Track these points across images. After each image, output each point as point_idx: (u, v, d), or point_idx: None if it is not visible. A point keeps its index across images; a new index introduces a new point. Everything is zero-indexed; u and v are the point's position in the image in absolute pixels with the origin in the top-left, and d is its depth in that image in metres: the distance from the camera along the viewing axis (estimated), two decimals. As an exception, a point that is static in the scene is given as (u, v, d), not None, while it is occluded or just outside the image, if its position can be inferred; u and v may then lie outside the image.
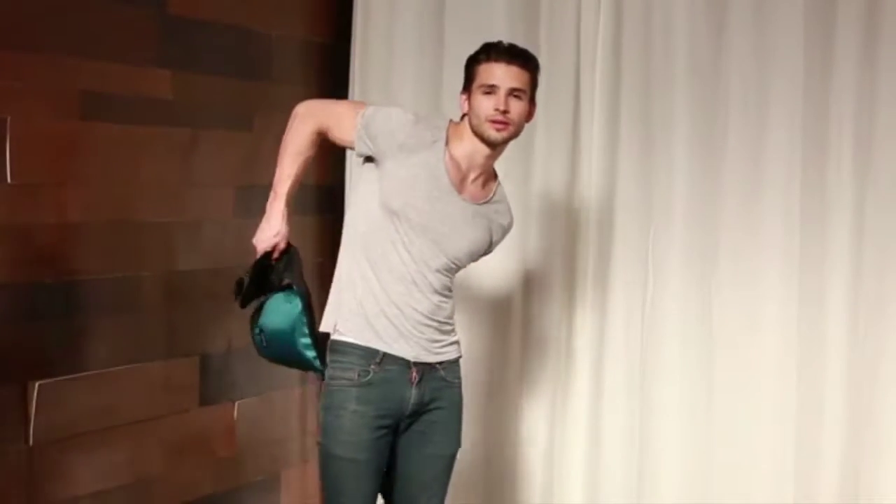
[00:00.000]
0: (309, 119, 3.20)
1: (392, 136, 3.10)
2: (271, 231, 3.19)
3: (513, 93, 3.13)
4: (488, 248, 3.31)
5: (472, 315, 4.25)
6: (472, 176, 3.19)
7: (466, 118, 3.18)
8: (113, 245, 3.57)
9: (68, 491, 3.44)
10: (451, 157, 3.16)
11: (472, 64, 3.19)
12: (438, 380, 3.20)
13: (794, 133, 4.03)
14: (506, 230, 3.34)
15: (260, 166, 4.15)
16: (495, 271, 4.21)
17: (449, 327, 3.24)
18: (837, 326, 4.01)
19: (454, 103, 4.30)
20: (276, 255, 3.19)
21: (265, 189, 4.14)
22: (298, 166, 3.19)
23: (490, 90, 3.12)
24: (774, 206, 4.07)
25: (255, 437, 4.21)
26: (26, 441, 3.29)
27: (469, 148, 3.17)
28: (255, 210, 4.10)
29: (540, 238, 4.34)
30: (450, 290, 3.23)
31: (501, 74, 3.13)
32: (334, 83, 4.49)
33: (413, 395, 3.16)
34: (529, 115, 3.21)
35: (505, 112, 3.11)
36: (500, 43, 3.19)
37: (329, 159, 4.32)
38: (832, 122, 4.00)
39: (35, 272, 3.31)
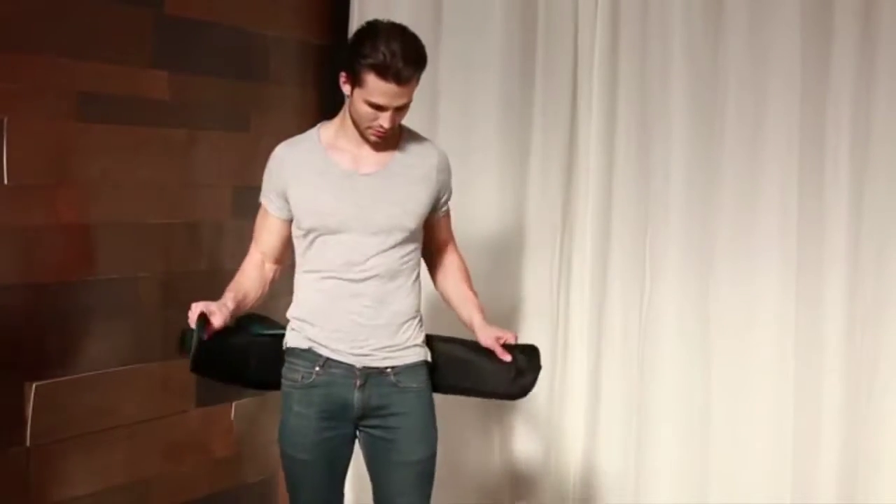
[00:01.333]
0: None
1: (273, 181, 3.18)
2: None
3: (399, 107, 3.05)
4: (437, 199, 3.21)
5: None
6: (379, 153, 3.14)
7: (347, 105, 3.12)
8: (110, 246, 3.57)
9: (66, 492, 3.44)
10: (332, 146, 3.14)
11: (359, 63, 3.01)
12: (388, 385, 3.15)
13: (792, 134, 4.04)
14: (441, 167, 3.20)
15: (257, 167, 4.14)
16: (491, 270, 4.21)
17: (408, 329, 3.18)
18: (834, 326, 4.01)
19: (451, 105, 4.34)
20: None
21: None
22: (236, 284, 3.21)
23: (376, 107, 3.02)
24: (771, 207, 4.07)
25: (252, 437, 4.20)
26: (24, 442, 3.29)
27: (352, 133, 3.13)
28: (252, 211, 4.11)
29: (537, 238, 4.34)
30: (408, 278, 3.16)
31: (391, 96, 3.00)
32: (330, 84, 4.48)
33: (356, 398, 3.15)
34: None
35: (389, 128, 3.06)
36: (391, 50, 2.96)
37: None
38: (829, 123, 4.01)
39: (32, 273, 3.31)
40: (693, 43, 4.13)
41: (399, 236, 3.12)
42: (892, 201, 3.98)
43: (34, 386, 3.30)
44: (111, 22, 3.53)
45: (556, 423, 4.37)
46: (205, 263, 3.94)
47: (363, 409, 3.16)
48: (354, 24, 4.45)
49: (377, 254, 3.11)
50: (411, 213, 3.14)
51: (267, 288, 3.27)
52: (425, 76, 4.39)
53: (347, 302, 3.13)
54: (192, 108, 3.87)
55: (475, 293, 3.33)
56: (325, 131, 3.20)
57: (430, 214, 3.21)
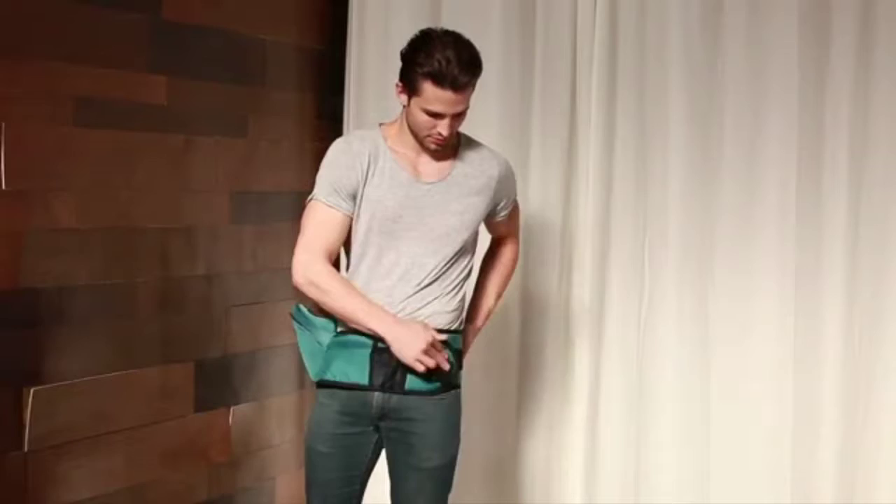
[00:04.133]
0: (311, 270, 3.14)
1: (344, 173, 3.14)
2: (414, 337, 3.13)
3: (456, 115, 3.10)
4: (495, 207, 3.30)
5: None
6: (440, 162, 3.20)
7: (405, 114, 3.16)
8: (107, 251, 3.56)
9: (64, 497, 3.43)
10: (396, 151, 3.17)
11: (414, 72, 3.05)
12: (408, 390, 3.17)
13: (790, 139, 4.04)
14: (501, 177, 3.28)
15: (254, 172, 4.17)
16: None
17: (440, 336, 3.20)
18: (833, 331, 4.02)
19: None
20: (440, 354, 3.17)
21: (260, 195, 4.16)
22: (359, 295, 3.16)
23: (434, 115, 3.06)
24: (770, 213, 4.08)
25: (250, 442, 4.20)
26: (22, 447, 3.28)
27: (410, 140, 3.17)
28: (249, 216, 4.12)
29: (536, 244, 4.34)
30: (453, 289, 3.23)
31: (449, 104, 3.05)
32: (329, 88, 4.49)
33: (376, 399, 3.18)
34: None
35: (448, 135, 3.11)
36: (447, 57, 3.02)
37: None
38: (827, 129, 4.02)
39: (29, 278, 3.31)
40: (691, 48, 4.13)
41: (455, 247, 3.19)
42: (890, 206, 3.98)
43: (31, 391, 3.30)
44: (108, 27, 3.52)
45: (556, 424, 4.37)
46: (202, 268, 3.94)
47: (382, 410, 3.19)
48: (353, 28, 4.46)
49: (430, 263, 3.16)
50: (468, 224, 3.22)
51: None
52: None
53: (393, 307, 3.16)
54: (190, 113, 3.87)
55: (499, 294, 3.48)
56: (388, 134, 3.21)
57: (491, 218, 3.35)
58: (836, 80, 3.99)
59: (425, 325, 3.14)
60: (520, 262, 4.29)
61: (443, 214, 3.17)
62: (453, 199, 3.18)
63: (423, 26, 4.36)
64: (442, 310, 3.21)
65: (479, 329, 3.49)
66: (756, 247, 4.09)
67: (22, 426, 3.28)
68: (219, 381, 4.05)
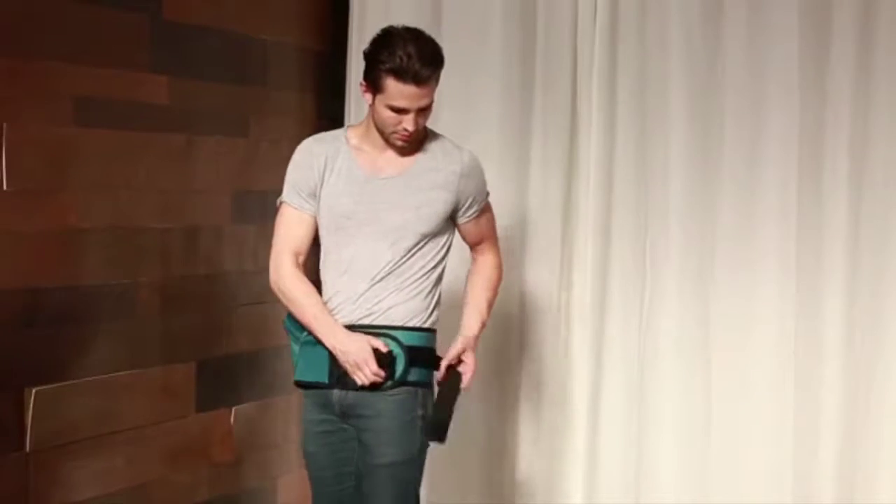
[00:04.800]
0: (279, 275, 3.26)
1: (304, 174, 3.24)
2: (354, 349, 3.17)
3: (421, 109, 3.10)
4: (459, 204, 3.23)
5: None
6: (403, 158, 3.20)
7: (370, 113, 3.18)
8: (110, 251, 3.57)
9: (66, 497, 3.43)
10: (358, 148, 3.21)
11: (377, 70, 3.08)
12: (361, 386, 3.18)
13: (790, 139, 4.04)
14: (465, 171, 3.22)
15: (256, 172, 4.17)
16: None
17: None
18: (834, 330, 4.02)
19: (451, 110, 4.33)
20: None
21: (262, 195, 4.16)
22: (314, 302, 3.22)
23: (399, 111, 3.08)
24: (771, 212, 4.08)
25: (252, 442, 4.20)
26: (24, 448, 3.29)
27: (377, 138, 3.19)
28: (251, 216, 4.12)
29: (536, 244, 4.35)
30: (413, 283, 3.19)
31: (412, 98, 3.06)
32: (329, 89, 4.49)
33: (336, 396, 3.22)
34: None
35: (413, 130, 3.11)
36: (407, 52, 3.04)
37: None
38: (828, 128, 4.02)
39: (31, 278, 3.31)
40: (692, 48, 4.14)
41: (412, 240, 3.17)
42: (890, 205, 3.98)
43: (34, 391, 3.30)
44: (110, 27, 3.53)
45: (557, 425, 4.37)
46: (204, 268, 3.94)
47: (342, 407, 3.22)
48: (354, 29, 4.46)
49: (392, 257, 3.16)
50: (426, 218, 3.17)
51: None
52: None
53: (352, 302, 3.19)
54: (191, 113, 3.87)
55: (489, 304, 3.36)
56: (353, 134, 3.27)
57: (459, 218, 3.27)
58: (837, 80, 3.99)
59: (367, 340, 3.15)
60: (520, 263, 4.31)
61: (398, 209, 3.16)
62: (410, 193, 3.17)
63: (425, 26, 4.39)
64: (399, 303, 3.18)
65: (475, 338, 3.33)
66: (757, 247, 4.09)
67: (24, 426, 3.28)
68: (221, 381, 4.05)
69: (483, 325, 3.35)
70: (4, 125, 3.19)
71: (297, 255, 3.27)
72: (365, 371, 3.14)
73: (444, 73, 4.30)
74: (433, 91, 3.11)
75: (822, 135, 4.02)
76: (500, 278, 3.42)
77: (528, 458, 4.39)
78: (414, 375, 3.21)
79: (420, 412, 3.20)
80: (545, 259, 4.34)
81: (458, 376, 3.25)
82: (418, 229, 3.17)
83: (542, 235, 4.34)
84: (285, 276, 3.25)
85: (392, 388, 3.18)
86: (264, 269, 4.02)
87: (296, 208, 3.27)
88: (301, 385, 3.30)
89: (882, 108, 3.96)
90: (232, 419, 4.10)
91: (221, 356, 4.03)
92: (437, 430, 3.18)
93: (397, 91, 3.05)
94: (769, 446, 4.08)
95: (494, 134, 4.33)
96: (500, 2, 4.31)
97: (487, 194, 3.34)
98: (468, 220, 3.29)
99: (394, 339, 3.17)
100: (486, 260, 3.39)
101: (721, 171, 4.12)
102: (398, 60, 3.04)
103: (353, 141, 3.24)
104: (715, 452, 4.14)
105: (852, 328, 4.01)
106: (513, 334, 4.36)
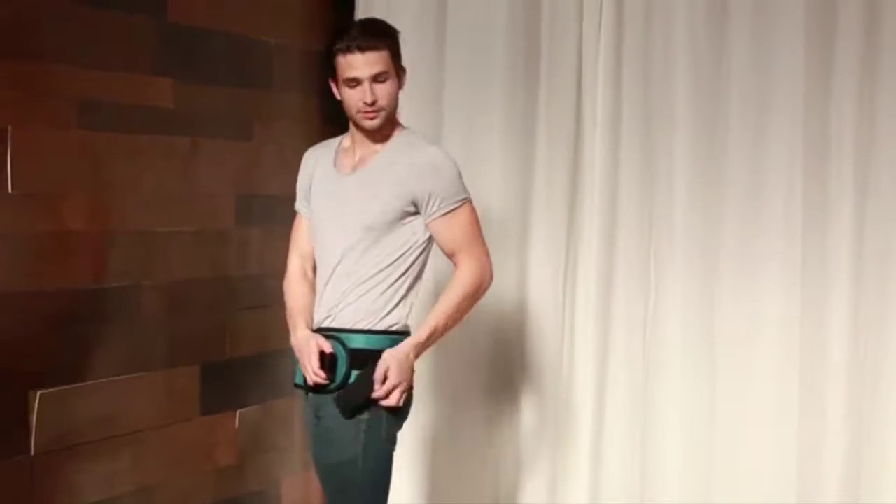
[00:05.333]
0: (286, 276, 3.39)
1: (301, 181, 3.39)
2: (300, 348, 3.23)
3: (376, 79, 3.14)
4: (416, 200, 3.14)
5: (473, 323, 4.25)
6: (369, 153, 3.23)
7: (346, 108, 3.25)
8: (114, 254, 3.57)
9: (70, 500, 3.43)
10: (344, 149, 3.29)
11: (332, 55, 3.19)
12: (321, 391, 3.19)
13: (795, 143, 4.04)
14: (423, 164, 3.15)
15: (260, 175, 4.17)
16: (496, 279, 4.20)
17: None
18: (839, 335, 4.01)
19: (455, 111, 4.34)
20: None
21: (266, 198, 4.16)
22: (294, 302, 3.32)
23: (353, 83, 3.15)
24: (775, 217, 4.07)
25: (256, 445, 4.20)
26: (28, 450, 3.29)
27: (358, 135, 3.25)
28: (255, 218, 4.12)
29: (541, 249, 4.34)
30: (363, 283, 3.16)
31: (360, 66, 3.14)
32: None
33: (310, 398, 3.27)
34: (401, 80, 3.22)
35: (373, 102, 3.14)
36: (351, 31, 3.17)
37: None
38: (833, 132, 4.01)
39: (36, 281, 3.31)
40: (697, 50, 4.13)
41: (359, 235, 3.15)
42: (895, 210, 3.98)
43: (38, 394, 3.30)
44: (114, 30, 3.53)
45: (561, 429, 4.37)
46: (208, 271, 3.94)
47: (314, 406, 3.25)
48: (358, 31, 4.46)
49: (344, 253, 3.17)
50: (375, 211, 3.14)
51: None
52: (428, 81, 4.42)
53: (320, 297, 3.26)
54: (196, 116, 3.87)
55: (446, 313, 3.18)
56: (345, 139, 3.34)
57: (424, 218, 3.18)
58: (842, 83, 3.99)
59: (316, 340, 3.16)
60: (522, 265, 4.31)
61: (353, 203, 3.18)
62: (365, 186, 3.18)
63: (429, 28, 4.41)
64: (350, 303, 3.17)
65: (421, 344, 3.17)
66: (761, 250, 4.09)
67: (28, 429, 3.28)
68: (225, 385, 4.05)
69: (434, 330, 3.17)
70: (10, 128, 3.19)
71: (302, 257, 3.37)
72: (308, 371, 3.17)
73: (448, 76, 4.35)
74: (385, 60, 3.14)
75: (828, 138, 4.01)
76: (475, 285, 3.21)
77: (530, 460, 4.38)
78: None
79: (364, 416, 3.13)
80: (549, 262, 4.34)
81: (369, 380, 3.13)
82: (363, 222, 3.14)
83: (545, 238, 4.34)
84: (287, 278, 3.39)
85: (336, 390, 3.15)
86: (268, 273, 4.03)
87: (299, 211, 3.41)
88: (296, 386, 3.33)
89: (887, 112, 3.96)
90: (236, 422, 4.10)
91: (226, 359, 4.03)
92: (339, 402, 3.15)
93: (346, 63, 3.14)
94: (774, 450, 4.07)
95: (498, 136, 4.33)
96: (505, 4, 4.31)
97: (463, 199, 3.18)
98: (431, 218, 3.16)
99: (339, 341, 3.16)
100: (458, 273, 3.21)
101: (726, 174, 4.12)
102: (342, 38, 3.16)
103: (345, 143, 3.33)
104: (719, 457, 4.13)
105: (857, 333, 4.00)
106: (515, 336, 4.36)
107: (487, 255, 3.25)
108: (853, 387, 4.00)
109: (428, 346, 3.21)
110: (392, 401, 3.12)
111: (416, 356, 3.18)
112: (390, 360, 3.12)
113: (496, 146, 4.31)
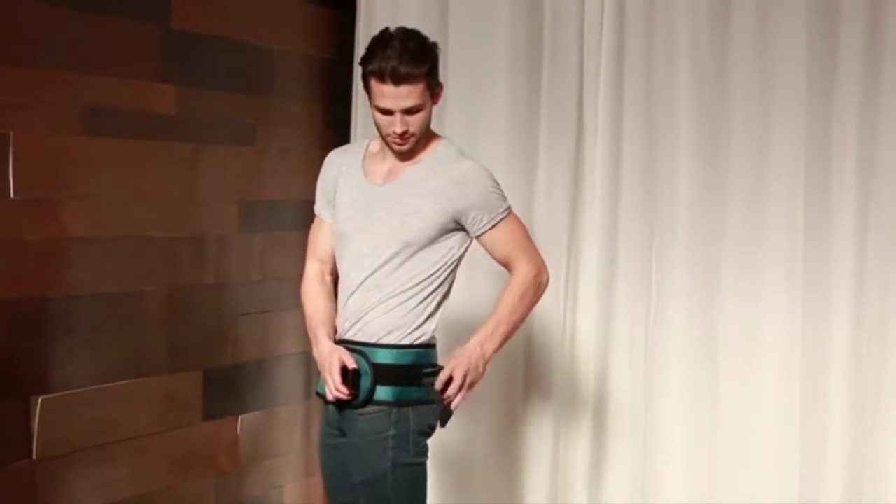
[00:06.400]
0: (304, 281, 3.34)
1: (323, 185, 3.32)
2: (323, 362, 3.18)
3: (408, 111, 3.04)
4: (459, 216, 3.11)
5: (474, 324, 4.25)
6: (402, 164, 3.16)
7: None
8: (116, 260, 3.57)
9: (72, 505, 3.44)
10: (373, 154, 3.22)
11: (365, 74, 3.08)
12: (345, 406, 3.16)
13: (798, 148, 4.05)
14: (461, 180, 3.11)
15: (263, 181, 4.17)
16: (497, 286, 4.20)
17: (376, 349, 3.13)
18: (842, 338, 4.02)
19: (458, 119, 4.34)
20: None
21: (268, 204, 4.17)
22: (315, 310, 3.27)
23: (384, 112, 3.05)
24: (778, 221, 4.08)
25: (258, 451, 4.20)
26: (30, 455, 3.29)
27: (385, 146, 3.18)
28: (258, 224, 4.12)
29: (542, 253, 4.33)
30: (397, 296, 3.11)
31: (393, 98, 3.02)
32: (336, 98, 4.49)
33: (330, 410, 3.22)
34: (436, 98, 3.12)
35: (404, 133, 3.06)
36: (387, 51, 3.01)
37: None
38: (835, 137, 4.02)
39: (38, 287, 3.31)
40: (699, 55, 4.14)
41: (395, 248, 3.10)
42: (898, 215, 3.99)
43: (39, 400, 3.30)
44: (117, 36, 3.53)
45: (563, 432, 4.37)
46: (210, 277, 3.94)
47: (336, 423, 3.21)
48: (360, 37, 4.46)
49: (375, 266, 3.11)
50: (412, 225, 3.10)
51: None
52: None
53: (343, 306, 3.19)
54: (198, 122, 3.87)
55: (509, 312, 3.19)
56: (373, 143, 3.27)
57: (472, 233, 3.15)
58: (844, 88, 4.00)
59: (340, 353, 3.11)
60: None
61: (386, 215, 3.11)
62: (400, 199, 3.12)
63: (430, 32, 4.40)
64: (377, 316, 3.12)
65: (487, 337, 3.16)
66: (764, 255, 4.10)
67: (30, 435, 3.28)
68: (227, 390, 4.05)
69: (497, 334, 3.17)
70: (12, 133, 3.19)
71: (321, 262, 3.33)
72: (330, 385, 3.12)
73: (450, 78, 4.35)
74: (419, 93, 3.03)
75: (830, 143, 4.02)
76: (535, 286, 3.21)
77: (532, 462, 4.38)
78: (383, 394, 3.11)
79: (392, 432, 3.09)
80: (550, 265, 4.30)
81: (431, 389, 3.12)
82: (402, 237, 3.09)
83: (547, 242, 4.33)
84: (304, 281, 3.34)
85: (361, 406, 3.12)
86: (271, 278, 4.03)
87: (319, 216, 3.35)
88: (318, 395, 3.29)
89: (890, 117, 3.97)
90: (238, 428, 4.10)
91: (228, 365, 4.03)
92: (444, 422, 3.15)
93: (379, 91, 3.05)
94: (777, 453, 4.08)
95: (501, 140, 4.34)
96: (507, 8, 4.32)
97: (507, 208, 3.19)
98: (481, 232, 3.15)
99: (363, 355, 3.11)
100: (516, 273, 3.21)
101: (728, 179, 4.12)
102: (377, 61, 3.03)
103: (373, 147, 3.24)
104: (722, 460, 4.14)
105: (860, 336, 4.01)
106: (519, 340, 4.35)
107: (540, 254, 3.27)
108: (856, 389, 4.00)
109: (496, 340, 3.16)
110: (459, 399, 3.11)
111: (488, 351, 3.15)
112: (460, 359, 3.10)
113: (498, 149, 4.31)
